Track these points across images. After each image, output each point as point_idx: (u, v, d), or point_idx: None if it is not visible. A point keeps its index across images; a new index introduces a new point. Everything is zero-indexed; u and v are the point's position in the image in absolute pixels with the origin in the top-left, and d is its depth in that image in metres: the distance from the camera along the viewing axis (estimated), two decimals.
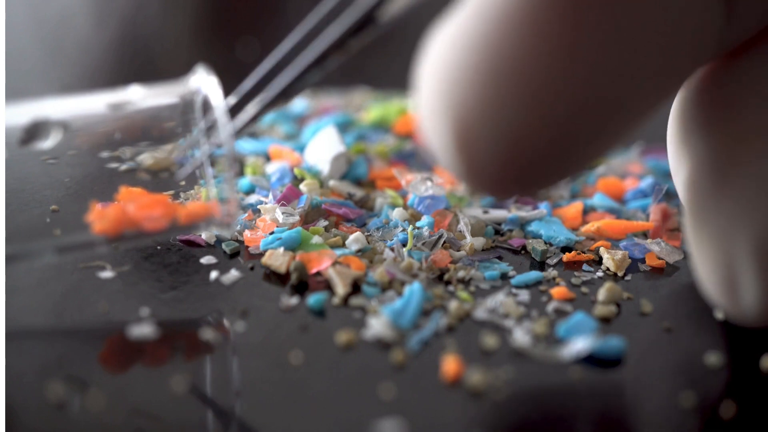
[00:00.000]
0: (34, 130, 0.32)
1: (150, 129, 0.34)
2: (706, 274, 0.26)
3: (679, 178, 0.28)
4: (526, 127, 0.23)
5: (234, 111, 0.32)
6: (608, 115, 0.24)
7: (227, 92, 0.33)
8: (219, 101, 0.32)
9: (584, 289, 0.35)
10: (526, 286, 0.35)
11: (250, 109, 0.32)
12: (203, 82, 0.33)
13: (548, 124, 0.23)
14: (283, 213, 0.37)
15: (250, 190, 0.40)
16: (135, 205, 0.32)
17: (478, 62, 0.23)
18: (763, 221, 0.24)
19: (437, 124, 0.24)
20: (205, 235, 0.37)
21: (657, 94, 0.24)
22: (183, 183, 0.34)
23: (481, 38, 0.23)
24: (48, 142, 0.33)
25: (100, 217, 0.32)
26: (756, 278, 0.25)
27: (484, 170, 0.24)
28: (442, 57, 0.24)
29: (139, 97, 0.34)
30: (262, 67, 0.32)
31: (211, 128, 0.33)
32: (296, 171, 0.40)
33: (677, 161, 0.28)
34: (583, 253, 0.37)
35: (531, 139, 0.23)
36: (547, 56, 0.23)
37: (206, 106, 0.33)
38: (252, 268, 0.35)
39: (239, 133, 0.33)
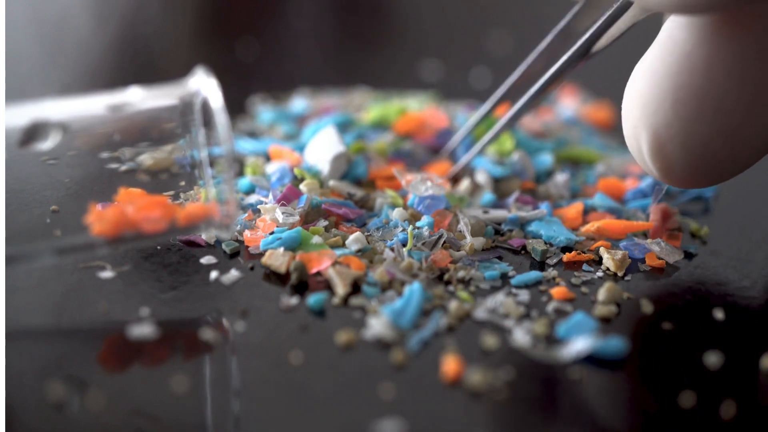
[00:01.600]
0: (34, 132, 0.32)
1: (149, 130, 0.34)
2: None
3: None
4: (708, 148, 0.32)
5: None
6: None
7: (226, 92, 0.33)
8: (218, 103, 0.32)
9: (584, 289, 0.35)
10: (526, 286, 0.35)
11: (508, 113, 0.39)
12: (202, 83, 0.33)
13: (728, 150, 0.32)
14: (283, 213, 0.37)
15: (250, 190, 0.40)
16: (134, 206, 0.32)
17: (672, 90, 0.31)
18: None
19: (639, 136, 0.33)
20: (205, 235, 0.37)
21: None
22: (182, 183, 0.34)
23: (673, 71, 0.31)
24: (47, 144, 0.33)
25: (99, 218, 0.32)
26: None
27: (677, 171, 0.33)
28: (649, 83, 0.32)
29: (139, 98, 0.34)
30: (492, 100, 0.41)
31: (210, 130, 0.33)
32: (296, 171, 0.40)
33: None
34: (583, 253, 0.37)
35: (712, 156, 0.32)
36: (736, 101, 0.31)
37: (206, 108, 0.33)
38: (252, 268, 0.35)
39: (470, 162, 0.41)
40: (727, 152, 0.32)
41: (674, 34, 0.31)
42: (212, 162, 0.35)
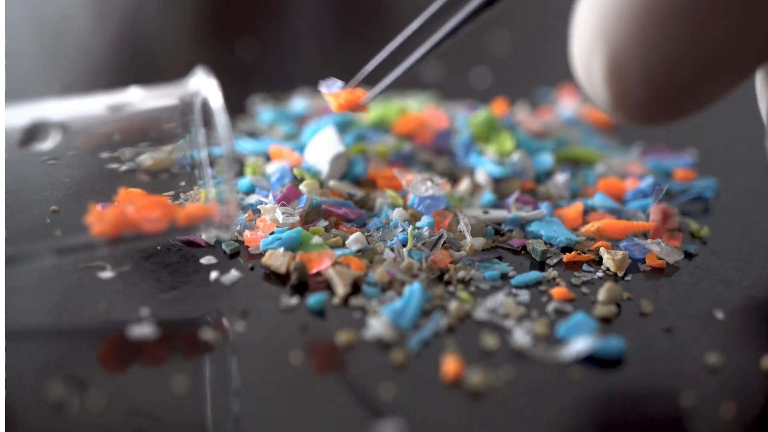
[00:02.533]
0: (34, 132, 0.32)
1: (149, 130, 0.34)
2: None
3: (764, 103, 0.33)
4: (673, 62, 0.27)
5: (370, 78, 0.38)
6: (745, 58, 0.28)
7: (226, 92, 0.33)
8: (218, 103, 0.32)
9: (584, 289, 0.35)
10: (526, 286, 0.35)
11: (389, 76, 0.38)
12: (202, 83, 0.33)
13: (694, 60, 0.28)
14: (283, 213, 0.37)
15: (250, 190, 0.40)
16: (134, 206, 0.32)
17: (634, 2, 0.27)
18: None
19: (591, 56, 0.29)
20: (205, 236, 0.37)
21: None
22: (183, 184, 0.34)
23: None
24: (47, 144, 0.32)
25: (99, 218, 0.32)
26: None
27: (632, 98, 0.28)
28: None
29: (139, 98, 0.34)
30: (395, 42, 0.38)
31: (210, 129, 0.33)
32: (296, 171, 0.40)
33: (763, 86, 0.33)
34: (583, 253, 0.37)
35: (676, 72, 0.28)
36: (696, 3, 0.27)
37: (205, 108, 0.33)
38: (252, 268, 0.35)
39: (376, 96, 0.38)
40: (694, 76, 0.28)
41: None
42: (212, 162, 0.35)
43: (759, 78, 0.32)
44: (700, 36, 0.27)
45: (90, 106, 0.34)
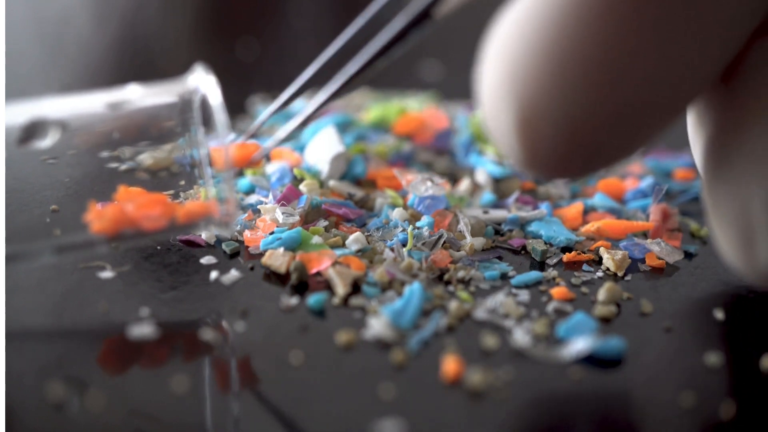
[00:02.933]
0: (32, 130, 0.32)
1: (149, 128, 0.34)
2: (723, 236, 0.27)
3: (697, 147, 0.29)
4: (588, 112, 0.25)
5: (287, 103, 0.37)
6: (666, 102, 0.26)
7: (226, 92, 0.33)
8: (217, 100, 0.32)
9: (584, 289, 0.35)
10: (526, 286, 0.35)
11: (314, 101, 0.35)
12: (201, 81, 0.33)
13: (609, 110, 0.25)
14: (283, 213, 0.37)
15: (250, 190, 0.40)
16: (133, 204, 0.32)
17: (545, 50, 0.25)
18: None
19: (500, 106, 0.26)
20: (205, 235, 0.37)
21: (705, 81, 0.26)
22: (182, 183, 0.34)
23: (548, 27, 0.25)
24: (46, 142, 0.32)
25: (98, 216, 0.32)
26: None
27: (545, 152, 0.26)
28: (508, 44, 0.25)
29: (138, 96, 0.34)
30: (318, 62, 0.36)
31: (209, 127, 0.33)
32: (296, 171, 0.40)
33: (695, 131, 0.29)
34: (583, 253, 0.37)
35: (592, 123, 0.25)
36: (613, 48, 0.24)
37: (204, 105, 0.33)
38: (252, 268, 0.35)
39: (304, 125, 0.36)
40: (609, 128, 0.25)
41: None
42: (212, 161, 0.35)
43: (690, 123, 0.30)
44: (613, 86, 0.25)
45: (89, 104, 0.34)
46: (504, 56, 0.26)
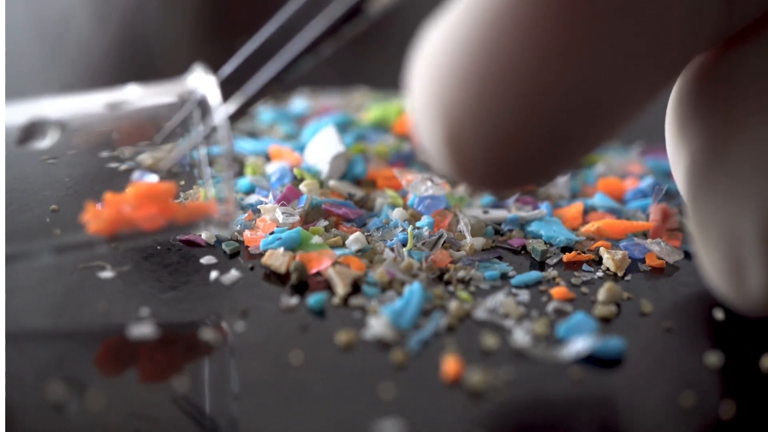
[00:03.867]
0: (31, 130, 0.32)
1: (149, 128, 0.34)
2: (710, 262, 0.26)
3: (679, 168, 0.28)
4: (515, 125, 0.24)
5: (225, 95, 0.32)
6: (600, 113, 0.24)
7: (226, 92, 0.33)
8: (216, 100, 0.32)
9: (584, 289, 0.35)
10: (526, 286, 0.35)
11: (240, 97, 0.32)
12: (201, 81, 0.33)
13: (538, 122, 0.24)
14: (283, 213, 0.37)
15: (250, 190, 0.40)
16: (131, 204, 0.32)
17: (470, 61, 0.24)
18: (766, 204, 0.24)
19: (429, 121, 0.25)
20: (205, 235, 0.37)
21: (650, 91, 0.25)
22: (182, 183, 0.34)
23: (472, 38, 0.24)
24: (45, 142, 0.32)
25: (95, 217, 0.32)
26: (763, 263, 0.24)
27: (475, 166, 0.24)
28: (435, 56, 0.24)
29: (137, 96, 0.34)
30: (242, 54, 0.32)
31: (209, 127, 0.33)
32: (296, 171, 0.40)
33: (676, 151, 0.28)
34: (583, 253, 0.37)
35: (521, 136, 0.24)
36: (537, 57, 0.23)
37: (203, 106, 0.33)
38: (252, 268, 0.35)
39: (235, 120, 0.32)
40: (540, 140, 0.24)
41: None
42: (212, 161, 0.35)
43: (669, 142, 0.29)
44: (541, 96, 0.23)
45: (88, 104, 0.34)
46: (431, 69, 0.24)
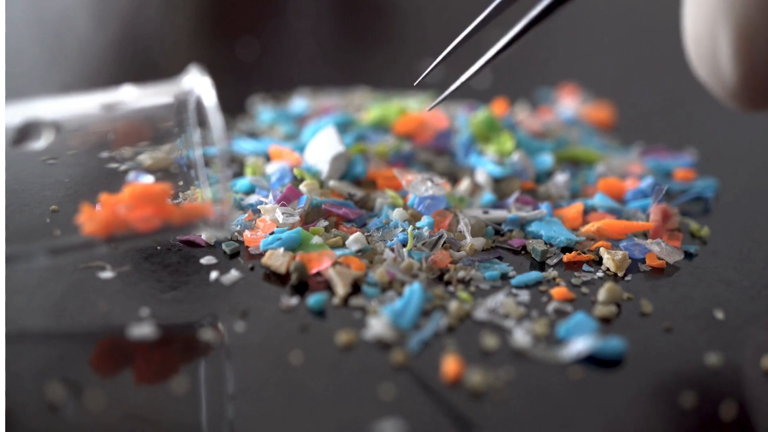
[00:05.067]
0: (26, 131, 0.32)
1: (146, 129, 0.34)
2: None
3: None
4: None
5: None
6: None
7: (226, 91, 0.33)
8: (212, 101, 0.32)
9: (584, 290, 0.35)
10: (526, 286, 0.35)
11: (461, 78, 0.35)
12: (197, 82, 0.33)
13: None
14: (283, 213, 0.37)
15: (250, 190, 0.40)
16: (127, 205, 0.32)
17: None
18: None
19: (715, 34, 0.26)
20: (205, 236, 0.37)
21: None
22: (181, 183, 0.34)
23: None
24: (40, 143, 0.32)
25: (91, 218, 0.32)
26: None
27: (762, 74, 0.27)
28: None
29: (133, 97, 0.34)
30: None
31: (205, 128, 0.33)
32: (296, 171, 0.40)
33: None
34: (584, 253, 0.37)
35: None
36: None
37: (199, 106, 0.33)
38: (252, 269, 0.35)
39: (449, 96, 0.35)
40: None
41: None
42: (209, 161, 0.35)
43: None
44: None
45: (84, 105, 0.34)
46: None
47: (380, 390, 0.29)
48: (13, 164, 0.32)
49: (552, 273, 0.36)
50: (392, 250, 0.36)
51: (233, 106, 0.50)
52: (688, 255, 0.38)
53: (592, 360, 0.31)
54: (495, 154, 0.43)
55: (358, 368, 0.30)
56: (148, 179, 0.34)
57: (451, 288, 0.34)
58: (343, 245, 0.36)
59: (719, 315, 0.34)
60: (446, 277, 0.35)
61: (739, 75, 0.27)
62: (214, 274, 0.35)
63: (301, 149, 0.43)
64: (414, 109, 0.48)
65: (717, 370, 0.31)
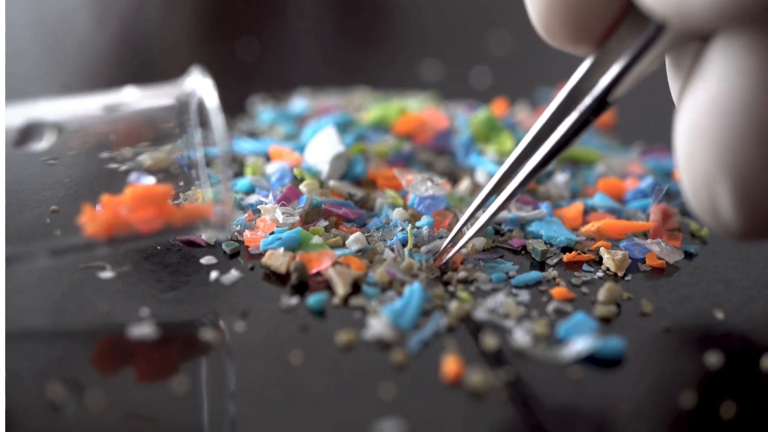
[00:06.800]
0: (28, 132, 0.32)
1: (147, 130, 0.34)
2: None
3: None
4: None
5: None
6: None
7: (226, 92, 0.33)
8: (214, 103, 0.32)
9: (584, 290, 0.35)
10: (526, 286, 0.35)
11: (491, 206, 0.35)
12: (198, 83, 0.33)
13: None
14: (283, 213, 0.37)
15: (250, 190, 0.40)
16: (128, 206, 0.32)
17: (757, 125, 0.26)
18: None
19: (715, 185, 0.27)
20: (205, 235, 0.37)
21: None
22: (181, 184, 0.34)
23: (758, 103, 0.26)
24: (42, 144, 0.32)
25: (92, 219, 0.32)
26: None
27: (763, 221, 0.27)
28: (713, 123, 0.26)
29: (135, 98, 0.34)
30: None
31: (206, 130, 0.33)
32: (296, 171, 0.40)
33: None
34: (584, 253, 0.37)
35: None
36: None
37: (201, 108, 0.33)
38: (252, 268, 0.35)
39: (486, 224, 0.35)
40: None
41: (738, 61, 0.26)
42: (210, 162, 0.35)
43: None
44: None
45: (86, 106, 0.34)
46: (709, 133, 0.26)
47: (380, 390, 0.29)
48: (13, 164, 0.32)
49: (552, 273, 0.36)
50: (392, 249, 0.36)
51: (233, 106, 0.50)
52: (688, 255, 0.38)
53: (592, 360, 0.31)
54: (495, 154, 0.43)
55: (358, 368, 0.30)
56: (150, 180, 0.34)
57: (451, 288, 0.34)
58: (343, 245, 0.36)
59: (719, 315, 0.34)
60: (446, 277, 0.35)
61: (741, 220, 0.27)
62: (214, 274, 0.35)
63: (301, 149, 0.43)
64: (414, 109, 0.48)
65: (717, 370, 0.31)
